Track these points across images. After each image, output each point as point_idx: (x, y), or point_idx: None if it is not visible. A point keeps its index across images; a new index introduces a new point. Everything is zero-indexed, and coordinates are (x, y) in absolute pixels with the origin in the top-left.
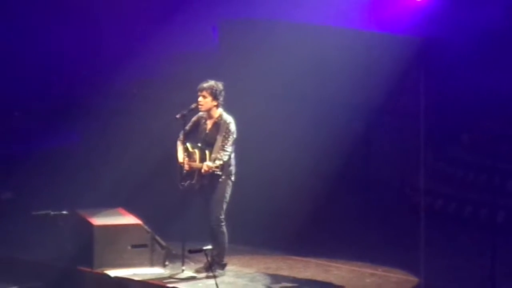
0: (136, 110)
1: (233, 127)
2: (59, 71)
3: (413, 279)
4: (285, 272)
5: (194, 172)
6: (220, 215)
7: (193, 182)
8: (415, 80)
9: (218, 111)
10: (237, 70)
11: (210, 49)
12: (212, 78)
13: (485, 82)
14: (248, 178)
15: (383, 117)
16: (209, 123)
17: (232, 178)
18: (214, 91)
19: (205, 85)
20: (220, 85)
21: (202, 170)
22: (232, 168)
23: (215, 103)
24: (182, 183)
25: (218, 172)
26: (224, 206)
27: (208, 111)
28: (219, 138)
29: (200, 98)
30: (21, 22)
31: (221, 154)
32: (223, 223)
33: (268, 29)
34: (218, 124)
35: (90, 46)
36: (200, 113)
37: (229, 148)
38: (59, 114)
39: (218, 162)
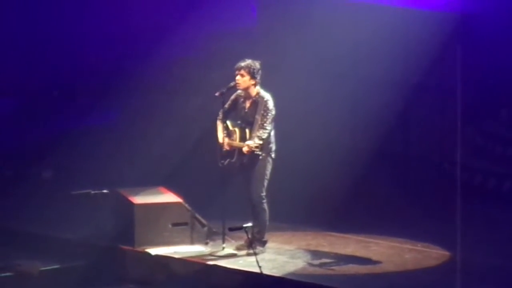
0: (175, 88)
1: (271, 104)
2: (95, 49)
3: (452, 254)
4: (325, 249)
5: (234, 150)
6: (261, 192)
7: (233, 160)
8: (453, 56)
9: (256, 89)
10: (275, 48)
11: (249, 26)
12: (250, 55)
13: None
14: (288, 155)
15: (421, 93)
16: (248, 102)
17: (273, 156)
18: (251, 70)
19: (242, 64)
20: (257, 64)
21: (244, 150)
22: (272, 146)
23: (252, 81)
24: (222, 161)
25: (258, 152)
26: (265, 184)
27: (246, 89)
28: (258, 116)
29: (238, 77)
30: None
31: (261, 132)
32: (264, 200)
33: (306, 6)
34: (257, 102)
35: (128, 24)
36: (239, 91)
37: (268, 126)
38: (99, 92)
39: (258, 141)
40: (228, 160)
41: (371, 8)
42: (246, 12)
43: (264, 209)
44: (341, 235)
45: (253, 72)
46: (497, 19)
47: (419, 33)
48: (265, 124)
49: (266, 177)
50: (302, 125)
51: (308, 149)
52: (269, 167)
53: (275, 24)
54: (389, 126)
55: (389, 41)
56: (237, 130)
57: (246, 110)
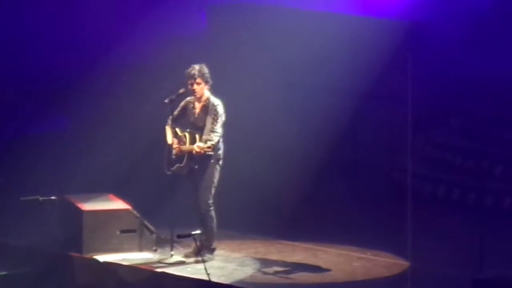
0: (125, 95)
1: (221, 109)
2: (44, 54)
3: (402, 263)
4: (274, 257)
5: (183, 155)
6: (209, 199)
7: (182, 165)
8: (403, 64)
9: (206, 94)
10: (225, 56)
11: (198, 34)
12: (200, 61)
13: (473, 65)
14: (238, 162)
15: (372, 101)
16: (198, 107)
17: (220, 163)
18: (205, 76)
19: (196, 72)
20: (206, 68)
21: (193, 152)
22: (221, 152)
23: (207, 86)
24: (171, 168)
25: (210, 153)
26: (213, 191)
27: (202, 96)
28: (209, 121)
29: (194, 86)
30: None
31: (212, 135)
32: (211, 208)
33: (256, 14)
34: (207, 107)
35: (78, 29)
36: (188, 98)
37: (219, 129)
38: (47, 98)
39: (209, 143)
40: (176, 165)
41: (322, 16)
42: (196, 18)
43: (211, 217)
44: (290, 243)
45: (207, 78)
46: (447, 28)
47: (370, 41)
48: (215, 128)
49: (214, 184)
50: (252, 132)
51: (257, 156)
52: (217, 175)
53: (224, 31)
54: (340, 134)
55: (340, 49)
56: (187, 134)
57: (196, 115)
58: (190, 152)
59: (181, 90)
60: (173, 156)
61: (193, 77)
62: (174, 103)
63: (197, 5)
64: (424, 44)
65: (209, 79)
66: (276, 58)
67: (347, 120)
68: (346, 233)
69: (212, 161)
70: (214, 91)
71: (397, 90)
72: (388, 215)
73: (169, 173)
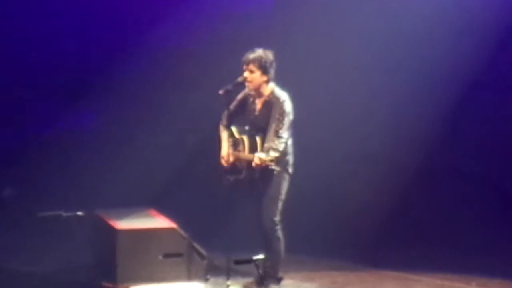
0: (170, 84)
1: (288, 106)
2: (71, 36)
3: None
4: (355, 287)
5: (242, 164)
6: (275, 216)
7: (241, 177)
8: None
9: (269, 87)
10: (294, 36)
11: (263, 9)
12: (262, 45)
13: None
14: (311, 171)
15: (477, 92)
16: (259, 103)
17: (290, 171)
18: (263, 63)
19: (251, 56)
20: (270, 55)
21: (253, 164)
22: (290, 158)
23: (265, 78)
24: (228, 177)
25: (272, 167)
26: (280, 206)
27: (257, 88)
28: (272, 122)
29: (246, 73)
30: None
31: (276, 142)
32: (278, 227)
33: None
34: (270, 104)
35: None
36: (248, 89)
37: (285, 133)
38: (72, 90)
39: (272, 154)
40: (234, 176)
41: None
42: None
43: (278, 237)
44: (376, 270)
45: (265, 66)
46: None
47: (478, 17)
48: (280, 132)
49: (281, 197)
50: (330, 134)
51: (336, 163)
52: (285, 185)
53: (293, 6)
54: (438, 134)
55: (439, 27)
56: (245, 138)
57: (256, 114)
58: (249, 162)
59: (240, 79)
60: (230, 166)
61: (246, 61)
62: (230, 96)
63: None
64: None
65: (269, 69)
66: (353, 39)
67: (446, 117)
68: (446, 257)
69: (279, 168)
70: (280, 81)
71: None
72: (499, 233)
73: (226, 184)
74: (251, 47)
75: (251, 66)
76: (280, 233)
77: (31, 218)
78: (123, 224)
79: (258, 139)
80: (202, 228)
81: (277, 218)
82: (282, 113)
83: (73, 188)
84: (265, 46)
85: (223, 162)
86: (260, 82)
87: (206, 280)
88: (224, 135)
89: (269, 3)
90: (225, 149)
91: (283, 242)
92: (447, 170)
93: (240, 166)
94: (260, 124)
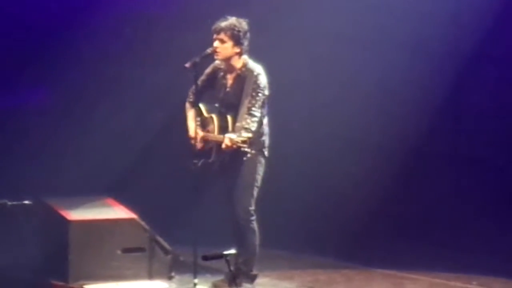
0: (129, 57)
1: (263, 80)
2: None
3: None
4: (340, 287)
5: (211, 146)
6: (250, 205)
7: (210, 160)
8: None
9: (242, 60)
10: (271, 3)
11: None
12: (235, 13)
13: None
14: (290, 155)
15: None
16: (230, 77)
17: (265, 153)
18: (236, 33)
19: (223, 24)
20: (244, 24)
21: (223, 145)
22: (265, 139)
23: (237, 49)
24: (195, 162)
25: (245, 149)
26: (255, 193)
27: (228, 60)
28: (245, 98)
29: (216, 43)
30: None
31: (248, 121)
32: (253, 217)
33: None
34: (242, 78)
35: None
36: (217, 62)
37: (258, 111)
38: (19, 62)
39: (245, 134)
40: (202, 160)
41: None
42: None
43: (252, 230)
44: (364, 268)
45: (238, 36)
46: None
47: None
48: (254, 109)
49: (256, 184)
50: (312, 114)
51: (319, 146)
52: (260, 170)
53: None
54: (435, 116)
55: None
56: (214, 117)
57: (227, 89)
58: (219, 143)
59: (209, 50)
60: (197, 148)
61: (216, 30)
62: (198, 69)
63: None
64: None
65: (242, 40)
66: (345, 9)
67: (445, 95)
68: (444, 254)
69: (253, 151)
70: (253, 52)
71: None
72: (503, 227)
73: (193, 169)
74: (223, 15)
75: (222, 36)
76: (255, 225)
77: None
78: (76, 214)
79: (229, 117)
80: (165, 219)
81: (251, 208)
82: (256, 88)
83: (20, 174)
84: (239, 14)
85: (190, 144)
86: (232, 54)
87: (170, 278)
88: (190, 113)
89: None
90: (192, 129)
91: (258, 235)
92: (442, 156)
93: (208, 149)
94: (231, 101)
